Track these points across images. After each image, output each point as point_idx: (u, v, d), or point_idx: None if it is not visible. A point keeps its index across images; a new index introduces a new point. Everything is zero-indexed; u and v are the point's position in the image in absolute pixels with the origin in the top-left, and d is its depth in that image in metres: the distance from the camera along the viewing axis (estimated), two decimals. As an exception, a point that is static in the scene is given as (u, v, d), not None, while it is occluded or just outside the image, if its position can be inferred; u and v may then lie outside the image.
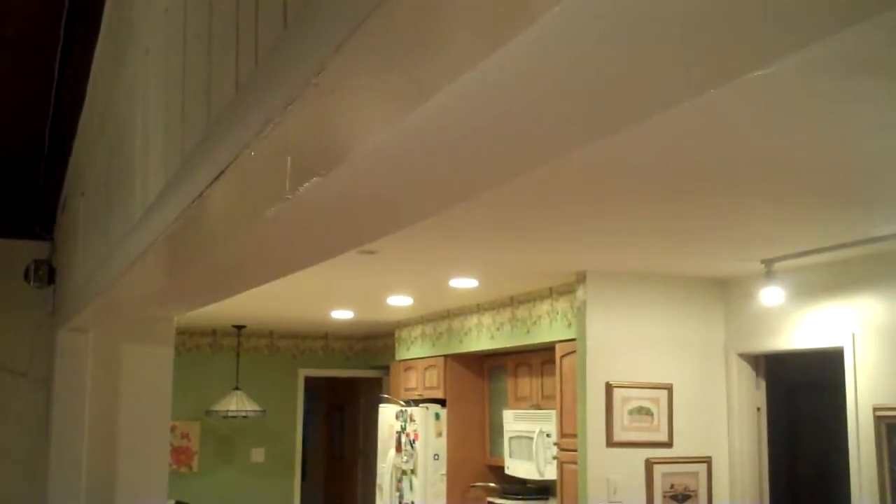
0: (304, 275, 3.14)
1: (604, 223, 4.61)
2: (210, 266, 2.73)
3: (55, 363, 5.46)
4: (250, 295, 4.32)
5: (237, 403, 9.97)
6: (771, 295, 5.43)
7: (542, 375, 7.41)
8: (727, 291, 6.28)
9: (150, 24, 2.37)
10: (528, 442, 7.23)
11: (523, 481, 7.55)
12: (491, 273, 6.28)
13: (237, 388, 10.16)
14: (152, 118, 2.34)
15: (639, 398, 6.08)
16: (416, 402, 8.63)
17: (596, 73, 1.22)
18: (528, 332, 6.98)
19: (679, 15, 1.01)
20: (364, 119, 1.32)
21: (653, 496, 6.01)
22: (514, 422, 7.58)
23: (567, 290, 6.42)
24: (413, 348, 9.09)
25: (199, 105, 1.76)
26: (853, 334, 5.29)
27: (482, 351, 7.89)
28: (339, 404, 12.64)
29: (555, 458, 6.71)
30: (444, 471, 8.32)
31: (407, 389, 9.12)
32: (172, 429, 6.04)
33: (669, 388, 6.14)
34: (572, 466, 6.23)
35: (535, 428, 7.10)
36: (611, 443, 6.01)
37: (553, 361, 6.73)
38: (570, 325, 6.38)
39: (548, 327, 6.71)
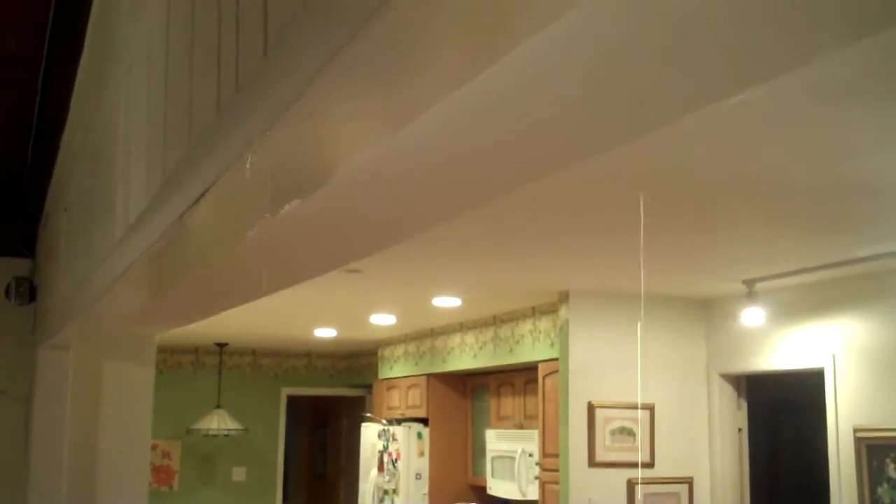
0: (288, 293, 3.14)
1: (586, 243, 4.63)
2: (192, 285, 2.73)
3: (35, 381, 5.43)
4: (233, 312, 4.31)
5: (219, 422, 9.92)
6: (752, 315, 5.45)
7: (524, 395, 7.41)
8: (709, 312, 6.30)
9: (134, 43, 2.38)
10: (510, 462, 7.22)
11: (505, 501, 7.53)
12: (474, 292, 6.28)
13: (219, 407, 10.11)
14: (134, 136, 2.35)
15: (621, 418, 6.08)
16: (399, 421, 8.61)
17: (571, 99, 1.23)
18: (510, 351, 6.98)
19: (656, 43, 1.03)
20: (342, 143, 1.33)
21: (634, 516, 6.01)
22: (496, 441, 7.56)
23: (550, 309, 6.43)
24: (396, 367, 9.07)
25: (181, 125, 1.76)
26: (834, 355, 5.31)
27: (465, 370, 7.89)
28: (321, 423, 12.60)
29: (537, 478, 6.70)
30: (426, 490, 8.29)
31: (390, 408, 9.10)
32: (153, 447, 6.02)
33: (651, 409, 6.15)
34: (554, 486, 6.22)
35: (518, 448, 7.10)
36: (593, 463, 6.01)
37: (536, 381, 6.73)
38: (552, 344, 6.39)
39: (530, 347, 6.71)
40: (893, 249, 4.45)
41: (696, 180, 3.39)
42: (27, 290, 5.80)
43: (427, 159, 1.48)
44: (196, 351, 10.52)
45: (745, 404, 6.32)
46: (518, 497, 7.14)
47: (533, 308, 6.67)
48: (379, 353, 9.49)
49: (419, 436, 8.37)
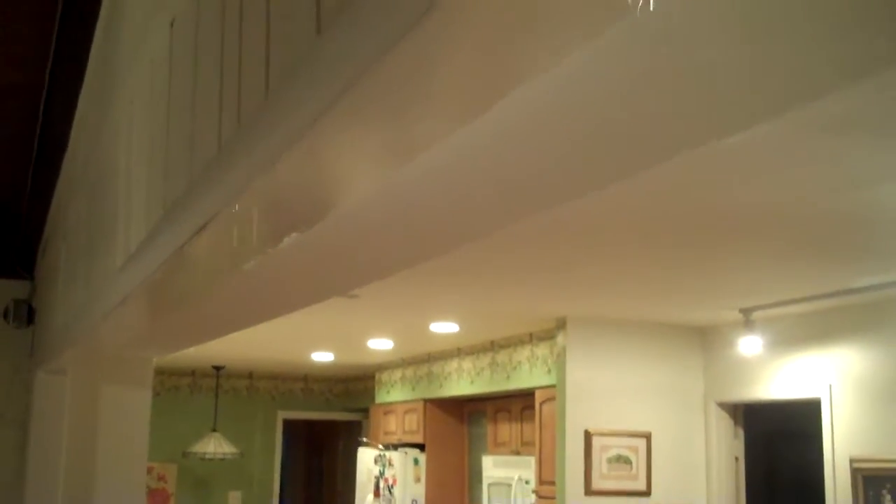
0: (285, 317, 3.15)
1: (584, 271, 4.64)
2: (190, 313, 2.74)
3: (32, 404, 5.43)
4: (230, 336, 4.32)
5: (215, 445, 9.89)
6: (749, 344, 5.46)
7: (521, 421, 7.40)
8: (706, 340, 6.30)
9: (136, 74, 2.40)
10: (506, 489, 7.20)
11: (502, 528, 7.51)
12: (471, 318, 6.29)
13: (215, 430, 10.08)
14: (135, 167, 2.36)
15: (618, 446, 6.08)
16: (396, 447, 8.59)
17: (569, 141, 1.25)
18: (508, 377, 6.98)
19: (662, 81, 1.04)
20: (341, 181, 1.34)
21: (631, 545, 5.99)
22: (493, 468, 7.55)
23: (547, 335, 6.43)
24: (393, 392, 9.06)
25: (182, 159, 1.78)
26: (830, 385, 5.32)
27: (462, 396, 7.88)
28: (317, 447, 12.56)
29: (533, 504, 6.69)
30: (422, 516, 8.27)
31: (386, 433, 9.08)
32: (149, 470, 5.99)
33: (648, 437, 6.14)
34: (551, 514, 6.21)
35: (515, 474, 7.08)
36: (589, 491, 5.99)
37: (533, 407, 6.73)
38: (550, 371, 6.39)
39: (528, 373, 6.71)
40: (890, 280, 4.47)
41: (695, 210, 3.41)
42: (25, 313, 5.80)
43: (425, 196, 1.50)
44: (193, 374, 10.51)
45: (741, 433, 6.32)
46: (514, 524, 7.12)
47: (530, 334, 6.68)
48: (376, 378, 9.48)
49: (416, 461, 8.35)
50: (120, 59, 2.70)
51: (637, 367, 6.19)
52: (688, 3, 0.81)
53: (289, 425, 11.19)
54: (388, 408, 9.12)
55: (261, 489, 10.72)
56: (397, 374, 8.98)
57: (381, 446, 8.84)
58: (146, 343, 4.00)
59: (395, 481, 8.35)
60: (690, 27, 0.89)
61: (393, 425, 8.98)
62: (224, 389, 10.56)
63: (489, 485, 7.56)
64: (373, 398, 9.56)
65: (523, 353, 6.79)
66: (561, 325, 6.11)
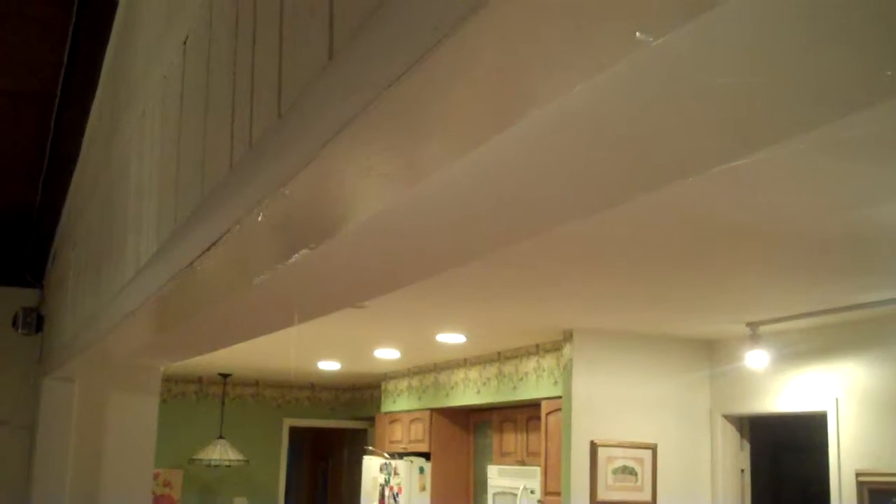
0: (292, 326, 3.17)
1: (591, 284, 4.65)
2: (198, 325, 2.76)
3: (40, 411, 5.45)
4: (237, 344, 4.34)
5: (220, 452, 9.91)
6: (756, 358, 5.46)
7: (527, 431, 7.40)
8: (712, 353, 6.31)
9: (148, 88, 2.42)
10: (511, 498, 7.20)
11: (507, 538, 7.51)
12: (478, 329, 6.30)
13: (221, 437, 10.10)
14: (147, 181, 2.38)
15: (623, 458, 6.08)
16: (401, 455, 8.60)
17: (579, 164, 1.27)
18: (514, 388, 6.99)
19: (671, 106, 1.06)
20: (353, 200, 1.36)
21: (636, 557, 5.99)
22: (498, 477, 7.55)
23: (554, 347, 6.44)
24: (399, 401, 9.07)
25: (194, 175, 1.80)
26: (837, 399, 5.32)
27: (468, 406, 7.89)
28: (323, 455, 12.57)
29: (538, 515, 6.69)
30: (427, 525, 8.27)
31: (392, 442, 9.09)
32: (154, 476, 6.02)
33: (654, 449, 6.14)
34: (556, 525, 6.21)
35: (520, 484, 7.09)
36: (595, 502, 5.99)
37: (539, 417, 6.73)
38: (556, 382, 6.39)
39: (534, 384, 6.72)
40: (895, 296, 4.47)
41: (702, 225, 3.42)
42: (34, 321, 5.82)
43: (434, 214, 1.51)
44: (200, 381, 10.53)
45: (747, 445, 6.32)
46: (519, 534, 7.12)
47: (537, 346, 6.69)
48: (382, 387, 9.49)
49: (421, 470, 8.35)
50: (132, 72, 2.72)
51: (643, 380, 6.19)
52: (703, 29, 0.82)
53: (294, 433, 11.20)
54: (394, 416, 9.13)
55: (266, 496, 10.74)
56: (403, 383, 8.98)
57: (386, 455, 8.84)
58: (154, 352, 4.02)
59: (400, 490, 8.36)
60: (705, 51, 0.90)
61: (398, 434, 8.99)
62: (230, 397, 10.58)
63: (494, 494, 7.56)
64: (379, 407, 9.57)
65: (530, 364, 6.79)
66: (568, 337, 6.12)
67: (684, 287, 4.64)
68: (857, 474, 5.11)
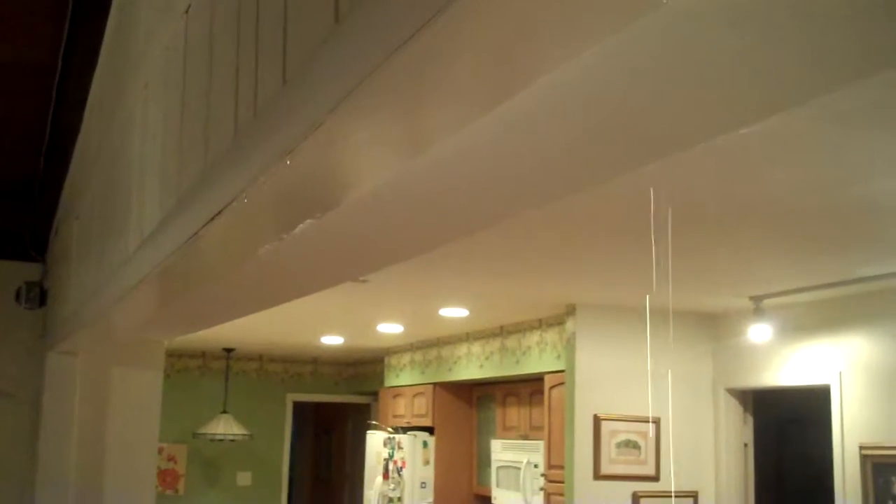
0: (296, 301, 3.16)
1: (594, 257, 4.64)
2: (202, 297, 2.75)
3: (44, 385, 5.46)
4: (241, 319, 4.35)
5: (224, 427, 9.94)
6: (759, 332, 5.46)
7: (530, 406, 7.42)
8: (716, 327, 6.30)
9: (151, 59, 2.40)
10: (515, 472, 7.23)
11: (510, 511, 7.54)
12: (481, 303, 6.30)
13: (225, 412, 10.13)
14: (149, 152, 2.37)
15: (626, 431, 6.09)
16: (405, 430, 8.62)
17: (585, 131, 1.26)
18: (517, 362, 6.99)
19: (679, 73, 1.05)
20: (359, 168, 1.35)
21: (639, 530, 6.01)
22: (501, 451, 7.57)
23: (557, 321, 6.44)
24: (402, 375, 9.09)
25: (197, 145, 1.78)
26: (840, 373, 5.32)
27: (471, 380, 7.90)
28: (326, 429, 12.61)
29: (542, 489, 6.71)
30: (431, 499, 8.30)
31: (395, 416, 9.11)
32: (159, 451, 6.03)
33: (657, 422, 6.15)
34: (559, 498, 6.23)
35: (523, 458, 7.11)
36: (598, 475, 6.01)
37: (541, 392, 6.74)
38: (559, 356, 6.40)
39: (537, 358, 6.72)
40: (901, 269, 4.46)
41: (706, 199, 3.41)
42: (37, 295, 5.82)
43: (439, 184, 1.50)
44: (203, 356, 10.55)
45: (751, 419, 6.33)
46: (522, 508, 7.15)
47: (540, 320, 6.69)
48: (385, 361, 9.51)
49: (425, 444, 8.38)
50: (134, 42, 2.70)
51: (646, 354, 6.18)
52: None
53: (298, 407, 11.24)
54: (397, 391, 9.15)
55: (270, 470, 10.78)
56: (406, 357, 9.00)
57: (390, 429, 8.87)
58: (158, 326, 4.02)
59: (404, 464, 8.39)
60: (707, 17, 0.89)
61: (402, 408, 9.01)
62: (234, 371, 10.60)
63: (498, 468, 7.58)
64: (382, 381, 9.59)
65: (532, 338, 6.80)
66: (570, 311, 6.12)
67: (688, 261, 4.63)
68: (861, 448, 5.11)
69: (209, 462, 10.52)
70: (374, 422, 9.54)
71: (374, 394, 10.15)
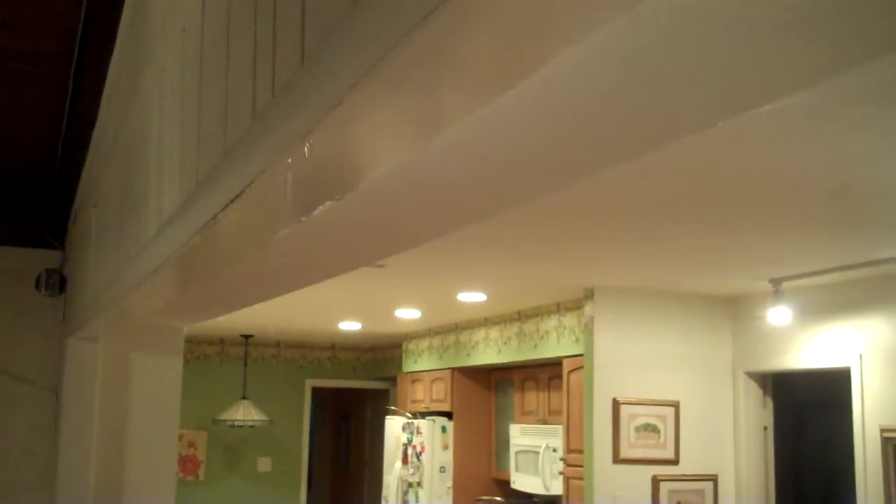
0: (314, 287, 3.17)
1: (612, 241, 4.63)
2: (221, 282, 2.76)
3: (64, 371, 5.49)
4: (259, 305, 4.35)
5: (244, 413, 9.98)
6: (779, 314, 5.43)
7: (548, 390, 7.41)
8: (735, 310, 6.28)
9: (167, 43, 2.40)
10: (534, 456, 7.23)
11: (529, 496, 7.55)
12: (499, 287, 6.29)
13: (244, 398, 10.17)
14: (167, 137, 2.37)
15: (645, 415, 6.08)
16: (423, 415, 8.64)
17: (604, 110, 1.25)
18: (535, 346, 6.99)
19: (687, 52, 1.04)
20: (378, 150, 1.34)
21: (658, 513, 6.01)
22: (520, 436, 7.58)
23: (575, 305, 6.43)
24: (420, 360, 9.10)
25: (215, 129, 1.78)
26: (860, 355, 5.29)
27: (489, 364, 7.90)
28: (345, 415, 12.65)
29: (561, 473, 6.71)
30: (450, 484, 8.32)
31: (414, 401, 9.13)
32: (179, 437, 6.07)
33: (676, 406, 6.14)
34: (578, 482, 6.23)
35: (542, 443, 7.11)
36: (617, 459, 6.01)
37: (560, 376, 6.74)
38: (577, 340, 6.39)
39: (555, 342, 6.72)
40: (923, 250, 4.43)
41: (724, 181, 3.39)
42: (57, 282, 5.86)
43: (457, 166, 1.50)
44: (222, 342, 10.59)
45: (770, 402, 6.30)
46: (542, 492, 7.16)
47: (558, 304, 6.68)
48: (403, 347, 9.52)
49: (443, 429, 8.39)
50: (150, 27, 2.70)
51: (665, 337, 6.18)
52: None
53: (317, 393, 11.27)
54: (416, 376, 9.16)
55: (289, 456, 10.83)
56: (424, 343, 9.01)
57: (408, 414, 8.89)
58: (176, 312, 4.03)
59: (423, 449, 8.41)
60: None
61: (420, 394, 9.03)
62: (253, 358, 10.64)
63: (516, 452, 7.59)
64: (400, 367, 9.60)
65: (551, 322, 6.79)
66: (589, 294, 6.10)
67: (707, 244, 4.61)
68: (882, 430, 5.09)
69: (229, 448, 10.57)
70: (392, 407, 9.56)
71: (393, 379, 10.17)
